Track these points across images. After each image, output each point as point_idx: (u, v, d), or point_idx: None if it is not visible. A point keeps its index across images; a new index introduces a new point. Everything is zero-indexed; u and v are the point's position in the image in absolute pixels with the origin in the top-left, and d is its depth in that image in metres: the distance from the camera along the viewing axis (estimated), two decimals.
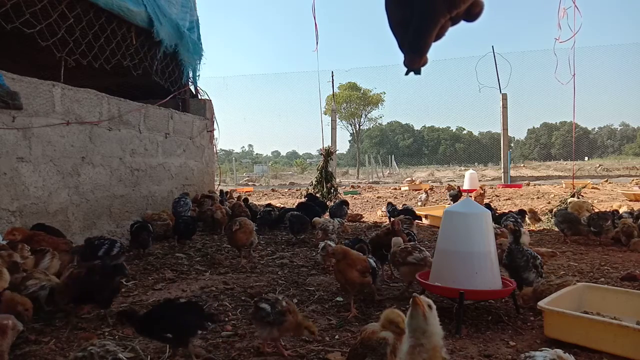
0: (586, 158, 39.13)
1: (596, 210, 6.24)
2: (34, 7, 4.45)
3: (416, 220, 6.06)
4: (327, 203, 8.07)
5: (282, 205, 8.68)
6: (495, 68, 17.06)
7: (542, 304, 2.62)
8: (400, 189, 14.72)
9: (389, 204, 7.53)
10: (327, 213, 6.85)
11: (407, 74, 0.78)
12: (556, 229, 6.38)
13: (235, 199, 8.07)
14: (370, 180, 23.94)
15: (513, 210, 6.96)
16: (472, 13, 0.68)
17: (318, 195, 9.33)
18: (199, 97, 8.36)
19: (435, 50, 0.79)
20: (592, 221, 5.26)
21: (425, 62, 0.73)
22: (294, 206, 7.74)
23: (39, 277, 2.96)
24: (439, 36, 0.70)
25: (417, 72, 0.76)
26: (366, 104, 46.10)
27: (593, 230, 5.25)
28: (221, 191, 8.33)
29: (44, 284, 2.92)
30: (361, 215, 8.16)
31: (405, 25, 0.71)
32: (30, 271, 3.05)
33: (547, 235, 6.06)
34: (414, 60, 0.73)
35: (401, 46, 0.74)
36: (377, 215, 8.41)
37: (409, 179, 21.02)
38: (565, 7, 9.15)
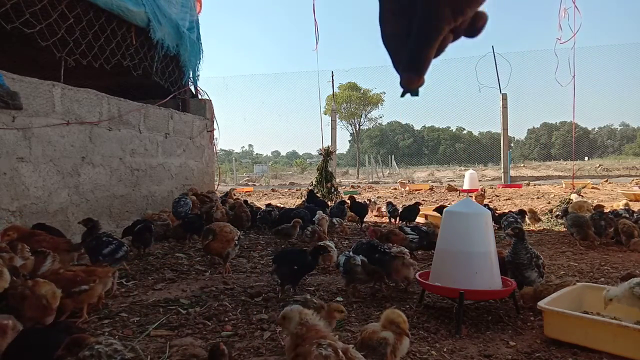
0: (586, 158, 39.10)
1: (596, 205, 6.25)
2: (34, 7, 4.46)
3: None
4: (328, 203, 8.08)
5: (282, 205, 8.67)
6: (495, 68, 17.08)
7: (542, 304, 2.62)
8: (399, 189, 14.73)
9: (389, 203, 7.53)
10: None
11: (402, 95, 0.71)
12: (556, 229, 6.39)
13: (234, 199, 8.06)
14: (370, 180, 23.94)
15: (513, 210, 6.97)
16: (476, 26, 0.65)
17: (318, 195, 9.34)
18: (199, 97, 8.37)
19: None
20: (593, 221, 5.26)
21: (422, 83, 0.68)
22: (294, 206, 7.74)
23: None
24: (440, 50, 0.65)
25: (415, 93, 0.70)
26: (366, 104, 46.15)
27: (594, 231, 5.25)
28: (227, 192, 8.29)
29: None
30: None
31: (402, 38, 0.65)
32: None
33: (547, 235, 6.06)
34: (412, 80, 0.68)
35: (396, 64, 0.68)
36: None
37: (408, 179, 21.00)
38: (566, 7, 9.19)
